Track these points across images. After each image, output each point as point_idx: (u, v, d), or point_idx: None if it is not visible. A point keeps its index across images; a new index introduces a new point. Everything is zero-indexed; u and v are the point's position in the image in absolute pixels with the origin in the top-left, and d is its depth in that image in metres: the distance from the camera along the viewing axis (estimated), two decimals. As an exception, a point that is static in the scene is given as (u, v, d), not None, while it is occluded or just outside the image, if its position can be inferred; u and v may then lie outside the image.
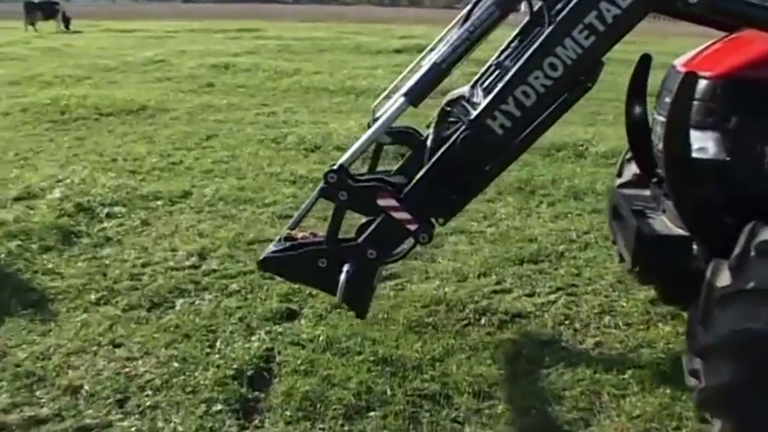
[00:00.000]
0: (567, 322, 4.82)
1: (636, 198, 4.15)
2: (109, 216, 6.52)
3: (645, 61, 4.22)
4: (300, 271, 3.57)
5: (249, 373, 4.16)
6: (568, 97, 3.28)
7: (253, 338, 4.52)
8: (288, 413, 3.83)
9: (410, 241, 3.43)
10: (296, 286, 5.09)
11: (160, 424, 3.76)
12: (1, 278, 5.37)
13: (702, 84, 3.44)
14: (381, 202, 3.26)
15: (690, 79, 3.36)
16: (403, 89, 3.32)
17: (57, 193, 6.88)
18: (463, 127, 3.22)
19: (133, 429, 3.73)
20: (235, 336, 4.55)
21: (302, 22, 35.61)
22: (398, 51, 20.18)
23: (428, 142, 3.78)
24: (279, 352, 4.38)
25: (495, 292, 5.24)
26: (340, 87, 13.54)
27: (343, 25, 32.99)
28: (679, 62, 3.87)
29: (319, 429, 3.74)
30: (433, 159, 3.27)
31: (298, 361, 4.26)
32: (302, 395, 3.95)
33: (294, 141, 9.07)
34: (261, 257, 3.73)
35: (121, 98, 11.56)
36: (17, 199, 6.87)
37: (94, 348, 4.45)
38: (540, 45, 3.12)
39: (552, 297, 5.18)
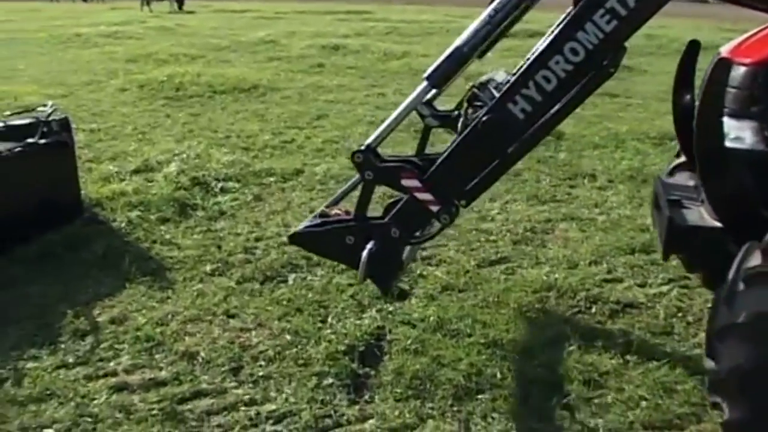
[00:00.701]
0: (680, 314, 4.68)
1: (677, 187, 3.98)
2: (223, 191, 6.68)
3: (693, 48, 4.03)
4: (328, 247, 3.61)
5: (360, 349, 4.20)
6: (590, 83, 3.19)
7: (365, 315, 4.54)
8: (398, 391, 3.84)
9: (438, 224, 3.41)
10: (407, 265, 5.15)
11: (272, 393, 3.83)
12: (122, 246, 5.57)
13: (741, 71, 3.29)
14: (405, 183, 3.28)
15: (723, 65, 3.25)
16: (427, 72, 3.30)
17: (173, 167, 7.06)
18: (485, 111, 3.22)
19: (246, 397, 3.80)
20: (347, 312, 4.58)
21: (409, 5, 35.57)
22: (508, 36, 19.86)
23: (459, 126, 3.84)
24: (390, 331, 4.39)
25: (606, 281, 5.13)
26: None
27: (449, 8, 32.78)
28: (724, 50, 3.70)
29: (429, 408, 3.74)
30: (456, 141, 3.27)
31: (409, 341, 4.26)
32: (412, 374, 3.96)
33: (404, 123, 9.04)
34: (291, 232, 3.78)
35: (233, 77, 11.78)
36: (136, 172, 7.10)
37: (210, 317, 4.55)
38: (561, 29, 3.07)
39: (664, 288, 5.04)
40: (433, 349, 4.19)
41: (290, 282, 5.01)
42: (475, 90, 3.91)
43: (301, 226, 3.74)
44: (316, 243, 3.65)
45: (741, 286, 2.85)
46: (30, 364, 4.06)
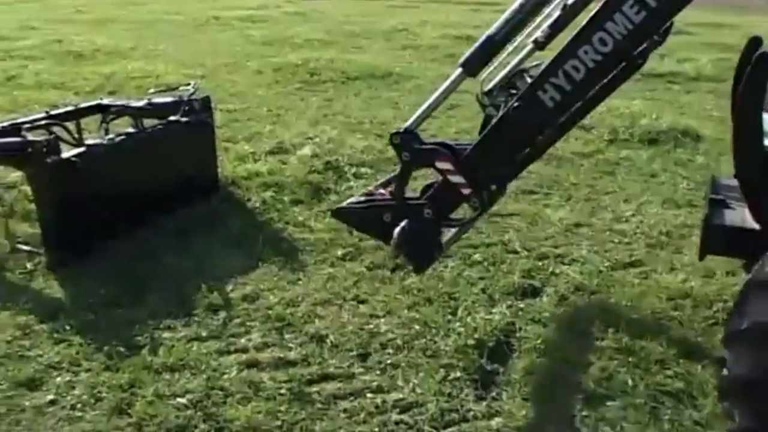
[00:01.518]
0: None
1: (728, 188, 3.83)
2: (356, 176, 6.70)
3: (753, 45, 3.79)
4: (367, 223, 3.72)
5: (490, 344, 4.12)
6: (620, 74, 3.26)
7: (494, 311, 4.46)
8: (526, 390, 3.76)
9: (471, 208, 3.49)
10: (539, 262, 5.09)
11: (399, 382, 3.80)
12: (256, 226, 5.67)
13: None
14: (439, 165, 3.35)
15: (763, 60, 3.10)
16: (461, 59, 3.35)
17: (307, 150, 7.13)
18: (515, 99, 3.26)
19: (373, 384, 3.79)
20: (476, 306, 4.51)
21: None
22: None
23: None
24: (520, 328, 4.30)
25: (744, 292, 4.85)
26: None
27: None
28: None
29: (557, 411, 3.63)
30: (489, 127, 3.33)
31: (539, 340, 4.17)
32: (542, 374, 3.88)
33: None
34: (336, 207, 3.95)
35: (366, 63, 11.83)
36: (271, 153, 7.20)
37: (339, 301, 4.57)
38: (591, 19, 3.03)
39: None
40: (564, 351, 4.09)
41: (421, 272, 4.96)
42: (512, 78, 4.00)
43: (346, 202, 3.90)
44: (357, 219, 3.79)
45: (753, 293, 2.83)
46: (166, 334, 4.17)
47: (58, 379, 3.80)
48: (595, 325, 4.33)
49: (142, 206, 5.40)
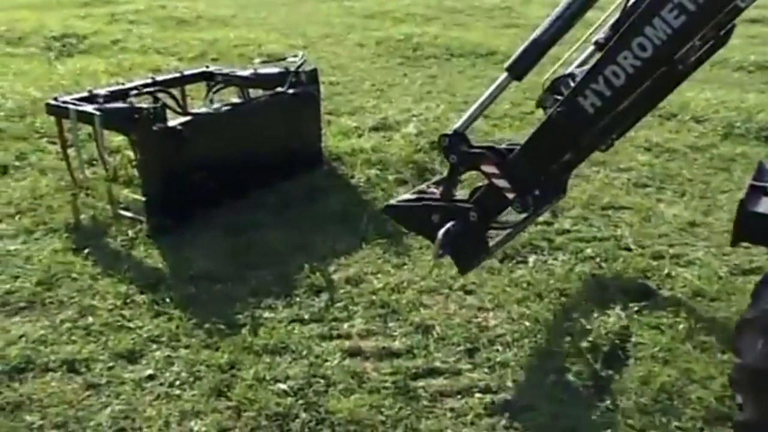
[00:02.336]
0: None
1: None
2: (461, 157, 6.42)
3: None
4: (416, 222, 3.76)
5: (604, 349, 3.85)
6: (661, 79, 3.16)
7: (608, 312, 4.17)
8: (643, 401, 3.49)
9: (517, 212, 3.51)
10: (654, 262, 4.76)
11: (509, 383, 3.59)
12: (360, 204, 5.51)
13: None
14: (484, 169, 3.39)
15: None
16: (506, 63, 3.37)
17: (412, 128, 6.91)
18: (557, 104, 3.23)
19: (482, 382, 3.59)
20: (590, 305, 4.24)
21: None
22: (753, 21, 18.37)
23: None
24: (635, 333, 4.01)
25: None
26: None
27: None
28: None
29: (675, 426, 3.36)
30: (532, 132, 3.32)
31: (656, 348, 3.87)
32: (660, 385, 3.58)
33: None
34: (387, 203, 4.02)
35: (470, 41, 11.49)
36: (375, 129, 7.01)
37: (446, 291, 4.36)
38: (630, 24, 2.99)
39: None
40: (683, 361, 3.78)
41: (530, 263, 4.71)
42: (557, 82, 3.90)
43: (397, 198, 3.92)
44: (406, 217, 3.83)
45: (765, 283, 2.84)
46: (266, 314, 4.03)
47: (158, 353, 3.70)
48: (715, 335, 4.00)
49: (245, 178, 5.28)
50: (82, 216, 5.12)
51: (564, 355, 3.80)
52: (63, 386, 3.47)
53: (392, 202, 3.89)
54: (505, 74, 3.34)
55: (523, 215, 3.60)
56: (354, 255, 4.71)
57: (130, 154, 5.88)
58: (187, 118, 4.89)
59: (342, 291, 4.29)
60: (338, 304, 4.15)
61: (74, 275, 4.35)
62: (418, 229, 3.92)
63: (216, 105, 5.21)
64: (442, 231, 3.43)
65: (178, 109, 5.02)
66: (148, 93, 5.07)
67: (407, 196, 3.90)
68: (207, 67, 6.32)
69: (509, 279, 4.50)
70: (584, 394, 3.55)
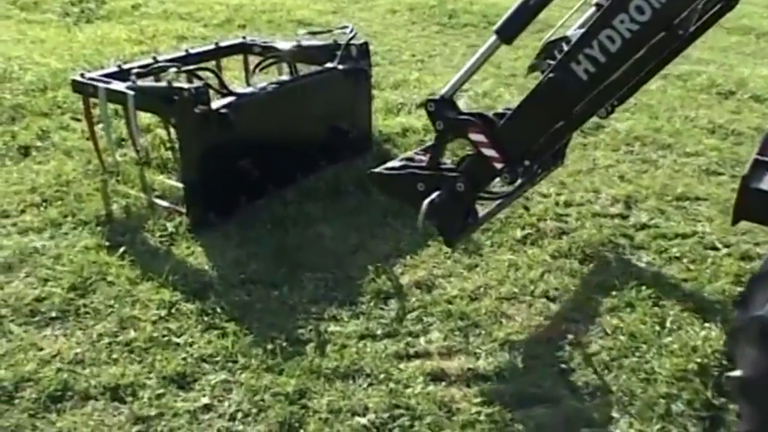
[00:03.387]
0: None
1: None
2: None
3: None
4: (400, 191, 3.57)
5: (713, 372, 3.38)
6: (658, 44, 2.88)
7: (709, 325, 3.70)
8: (766, 435, 2.98)
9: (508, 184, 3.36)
10: (745, 265, 4.28)
11: (615, 413, 3.13)
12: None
13: None
14: (472, 137, 3.22)
15: None
16: (496, 26, 3.16)
17: (462, 105, 6.32)
18: (549, 69, 3.03)
19: (585, 413, 3.16)
20: (687, 317, 3.77)
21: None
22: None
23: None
24: (744, 349, 3.51)
25: None
26: (735, 25, 11.89)
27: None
28: None
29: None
30: (522, 99, 3.14)
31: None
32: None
33: (703, 82, 7.88)
34: (370, 170, 3.64)
35: (506, 7, 10.87)
36: (422, 106, 6.47)
37: (527, 298, 3.90)
38: None
39: None
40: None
41: (613, 265, 4.23)
42: (550, 47, 3.76)
43: (382, 166, 3.60)
44: (390, 185, 3.62)
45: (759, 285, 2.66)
46: (332, 327, 3.58)
47: (213, 377, 3.25)
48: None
49: (292, 163, 4.79)
50: (114, 206, 4.64)
51: (670, 378, 3.34)
52: (107, 418, 3.02)
53: (377, 169, 3.59)
54: (494, 37, 3.12)
55: (514, 185, 3.47)
56: (420, 254, 4.24)
57: (163, 133, 5.39)
58: (231, 98, 4.37)
59: (413, 299, 3.83)
60: (411, 315, 3.70)
61: (110, 279, 3.89)
62: (403, 198, 3.66)
63: (261, 84, 4.66)
64: (427, 201, 3.26)
65: (220, 89, 4.49)
66: (187, 72, 4.53)
67: (393, 163, 3.63)
68: (244, 38, 5.79)
69: (594, 284, 4.03)
70: (698, 428, 3.08)
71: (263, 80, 4.77)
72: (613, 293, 3.95)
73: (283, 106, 4.69)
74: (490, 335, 3.57)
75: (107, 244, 4.19)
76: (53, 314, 3.62)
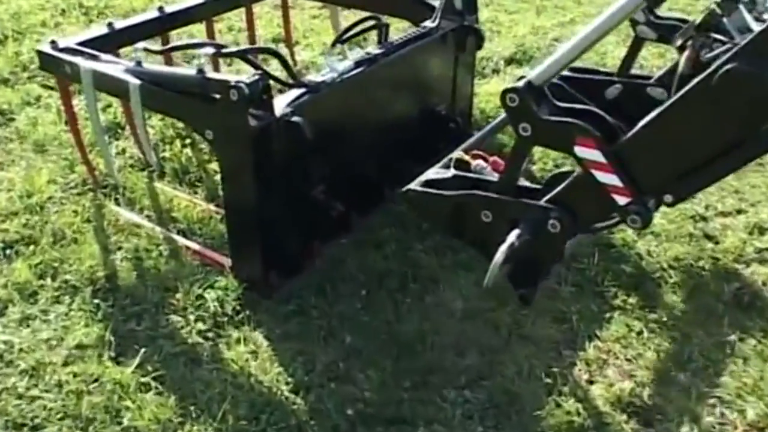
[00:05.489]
0: None
1: None
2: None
3: None
4: (451, 219, 2.45)
5: None
6: None
7: None
8: None
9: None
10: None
11: None
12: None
13: None
14: (579, 151, 2.08)
15: None
16: None
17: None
18: (726, 57, 1.83)
19: None
20: None
21: None
22: None
23: (679, 69, 2.58)
24: None
25: None
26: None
27: None
28: None
29: None
30: (671, 100, 1.95)
31: None
32: None
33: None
34: (406, 187, 2.53)
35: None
36: (511, 61, 4.88)
37: None
38: None
39: None
40: None
41: None
42: (717, 10, 2.54)
43: (422, 177, 2.56)
44: (435, 209, 2.51)
45: None
46: None
47: None
48: None
49: (380, 176, 3.18)
50: (117, 256, 3.01)
51: None
52: None
53: (413, 185, 2.51)
54: None
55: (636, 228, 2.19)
56: (602, 329, 2.69)
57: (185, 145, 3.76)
58: (301, 93, 2.72)
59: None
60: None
61: (126, 423, 2.29)
62: (455, 232, 2.55)
63: (343, 64, 2.91)
64: (504, 247, 2.17)
65: (286, 77, 2.82)
66: (231, 54, 2.83)
67: (437, 173, 2.57)
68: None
69: None
70: None
71: (337, 53, 3.02)
72: None
73: (372, 94, 3.08)
74: None
75: (112, 340, 2.59)
76: None
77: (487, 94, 4.32)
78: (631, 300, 2.89)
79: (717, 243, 3.20)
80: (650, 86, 2.98)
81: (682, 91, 1.93)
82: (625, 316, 2.81)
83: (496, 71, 4.74)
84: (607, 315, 2.82)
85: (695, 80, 1.91)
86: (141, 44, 2.87)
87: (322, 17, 5.32)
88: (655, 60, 4.75)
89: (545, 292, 2.86)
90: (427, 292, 2.88)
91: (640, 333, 2.74)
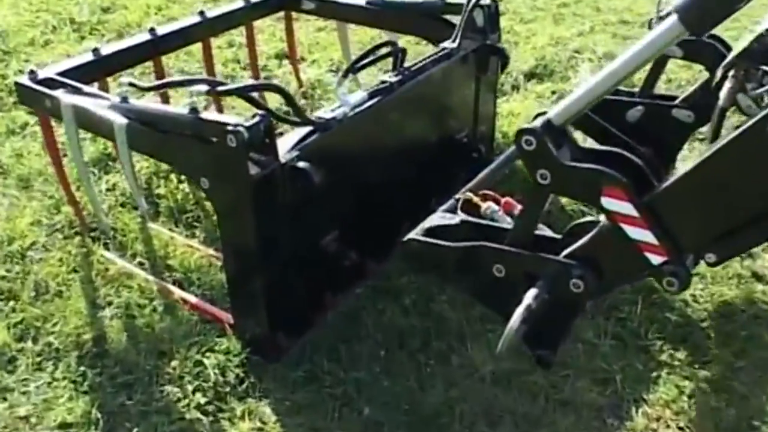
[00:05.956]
0: None
1: None
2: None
3: None
4: (461, 274, 2.15)
5: None
6: None
7: None
8: None
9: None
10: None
11: None
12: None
13: None
14: (607, 203, 1.80)
15: None
16: (677, 2, 1.71)
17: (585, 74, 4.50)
18: None
19: None
20: None
21: None
22: None
23: (719, 103, 2.37)
24: None
25: None
26: None
27: None
28: None
29: None
30: (717, 146, 1.67)
31: None
32: None
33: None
34: (407, 236, 2.22)
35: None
36: (532, 76, 4.59)
37: None
38: None
39: None
40: None
41: None
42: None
43: (424, 224, 2.26)
44: (440, 262, 2.17)
45: None
46: None
47: None
48: None
49: (396, 215, 2.84)
50: (106, 313, 2.71)
51: None
52: None
53: (413, 234, 2.23)
54: (673, 19, 1.69)
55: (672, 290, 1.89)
56: (649, 392, 2.39)
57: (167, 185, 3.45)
58: (307, 133, 2.41)
59: None
60: None
61: None
62: (463, 287, 2.34)
63: (358, 95, 2.59)
64: (522, 309, 1.89)
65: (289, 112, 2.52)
66: (228, 93, 2.49)
67: (438, 218, 2.30)
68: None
69: None
70: None
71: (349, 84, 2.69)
72: None
73: (389, 127, 2.77)
74: None
75: (99, 417, 2.30)
76: None
77: (509, 113, 4.01)
78: (679, 355, 2.58)
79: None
80: (676, 107, 2.79)
81: (730, 137, 1.65)
82: (674, 375, 2.51)
83: (515, 87, 4.43)
84: (654, 374, 2.51)
85: (746, 124, 1.63)
86: (126, 79, 2.55)
87: (328, 29, 5.00)
88: (682, 73, 4.43)
89: (584, 347, 2.55)
90: (452, 351, 2.57)
91: (691, 396, 2.43)
